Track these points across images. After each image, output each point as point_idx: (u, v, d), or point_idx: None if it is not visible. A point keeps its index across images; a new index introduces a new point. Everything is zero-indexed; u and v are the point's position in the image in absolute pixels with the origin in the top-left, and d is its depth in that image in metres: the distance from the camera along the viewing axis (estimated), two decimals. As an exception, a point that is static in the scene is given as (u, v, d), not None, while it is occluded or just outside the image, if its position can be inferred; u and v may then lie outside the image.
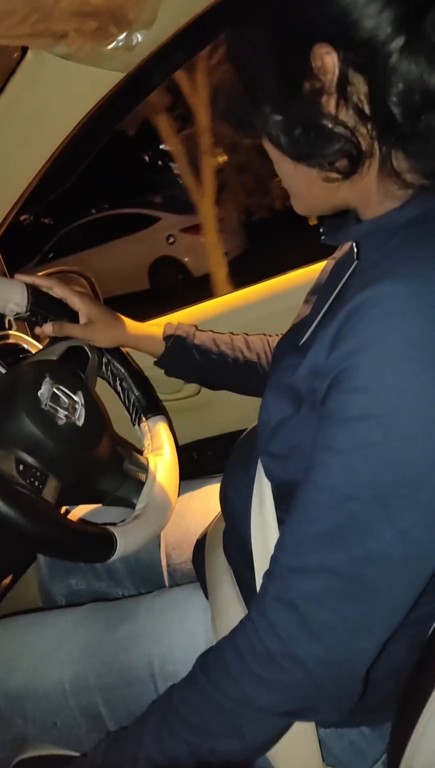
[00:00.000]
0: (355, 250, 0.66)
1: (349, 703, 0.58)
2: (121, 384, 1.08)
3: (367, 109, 0.52)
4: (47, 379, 0.88)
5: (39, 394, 0.86)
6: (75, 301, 1.02)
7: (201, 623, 0.82)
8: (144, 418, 1.07)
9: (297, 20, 0.52)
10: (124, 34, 0.84)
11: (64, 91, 0.90)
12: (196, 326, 1.10)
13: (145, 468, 0.99)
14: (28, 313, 0.99)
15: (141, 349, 1.07)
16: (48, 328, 0.98)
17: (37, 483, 0.80)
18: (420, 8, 0.48)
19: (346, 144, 0.54)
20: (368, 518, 0.51)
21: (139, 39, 0.84)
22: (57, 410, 0.87)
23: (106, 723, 0.83)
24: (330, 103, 0.53)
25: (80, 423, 0.90)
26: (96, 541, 0.82)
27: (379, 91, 0.51)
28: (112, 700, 0.83)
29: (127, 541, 0.85)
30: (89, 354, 1.03)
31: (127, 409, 1.09)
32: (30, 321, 1.01)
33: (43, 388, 0.87)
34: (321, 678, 0.55)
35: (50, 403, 0.87)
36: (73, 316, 1.02)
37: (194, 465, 1.33)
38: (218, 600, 0.79)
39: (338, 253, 0.84)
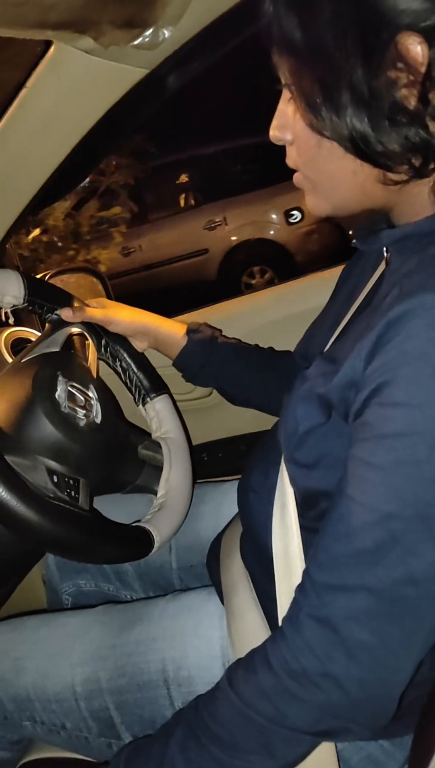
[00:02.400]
0: (386, 255, 0.65)
1: (383, 722, 0.57)
2: (121, 364, 1.06)
3: None
4: (60, 378, 0.87)
5: (57, 396, 0.84)
6: (92, 301, 1.01)
7: (216, 629, 0.81)
8: (148, 399, 1.05)
9: (384, 3, 0.48)
10: (151, 30, 0.83)
11: (86, 86, 0.89)
12: (221, 330, 1.08)
13: (159, 452, 0.98)
14: (26, 304, 0.97)
15: (160, 339, 1.02)
16: (67, 313, 0.96)
17: (73, 492, 0.79)
18: None
19: (425, 143, 0.51)
20: (410, 537, 0.49)
21: (166, 35, 0.83)
22: (76, 411, 0.86)
23: (117, 727, 0.82)
24: (411, 98, 0.50)
25: (99, 420, 0.89)
26: (136, 541, 0.83)
27: None
28: (123, 704, 0.81)
29: (160, 532, 0.86)
30: (88, 338, 1.01)
31: (130, 390, 1.07)
32: (27, 311, 0.99)
33: (59, 389, 0.85)
34: (358, 698, 0.54)
35: (69, 404, 0.85)
36: (67, 301, 1.01)
37: (205, 467, 1.32)
38: (234, 605, 0.78)
39: (357, 257, 0.83)
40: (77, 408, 0.86)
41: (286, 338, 1.05)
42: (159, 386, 1.07)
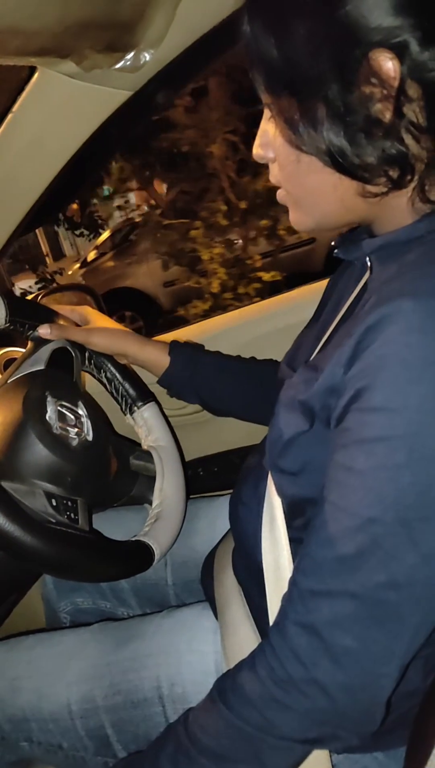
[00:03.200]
0: (368, 264, 0.66)
1: (371, 728, 0.57)
2: (106, 375, 1.05)
3: (422, 123, 0.51)
4: (49, 399, 0.86)
5: (47, 418, 0.84)
6: (76, 314, 1.02)
7: (210, 644, 0.81)
8: (135, 408, 1.05)
9: (353, 21, 0.49)
10: (132, 54, 0.84)
11: (71, 109, 0.90)
12: (203, 346, 1.09)
13: (150, 461, 0.98)
14: (8, 324, 0.96)
15: (142, 360, 1.02)
16: (45, 330, 0.95)
17: (72, 514, 0.79)
18: None
19: (401, 155, 0.52)
20: (391, 541, 0.50)
21: (147, 58, 0.85)
22: (68, 431, 0.86)
23: (113, 745, 0.82)
24: (386, 112, 0.51)
25: (90, 437, 0.89)
26: (136, 556, 0.83)
27: None
28: (119, 721, 0.81)
29: (160, 544, 0.86)
30: (72, 352, 1.00)
31: (116, 399, 1.06)
32: (10, 332, 0.98)
33: (48, 410, 0.85)
34: (344, 704, 0.54)
35: (60, 425, 0.85)
36: (51, 317, 1.00)
37: (200, 481, 1.33)
38: (228, 620, 0.78)
39: (342, 269, 0.84)
40: (68, 428, 0.86)
41: (277, 351, 1.06)
42: (145, 394, 1.06)
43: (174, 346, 1.03)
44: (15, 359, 1.13)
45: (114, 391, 1.06)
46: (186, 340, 1.09)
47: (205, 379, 1.02)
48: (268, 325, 1.25)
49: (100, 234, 8.25)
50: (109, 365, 1.05)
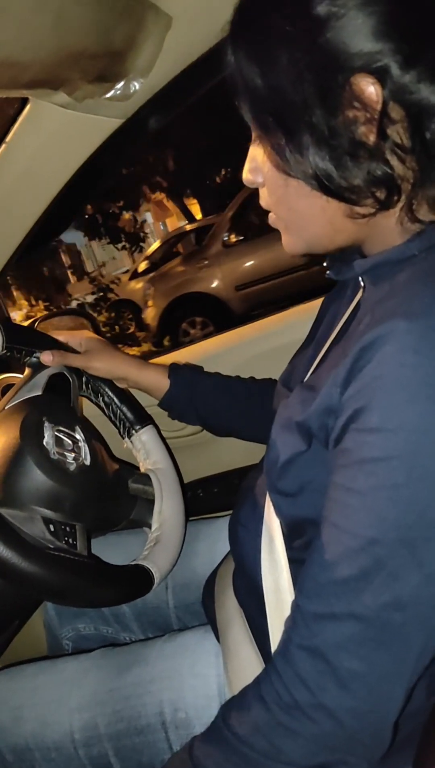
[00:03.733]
0: (361, 284, 0.66)
1: (380, 752, 0.56)
2: (103, 399, 1.06)
3: (406, 144, 0.52)
4: (46, 424, 0.87)
5: (45, 443, 0.84)
6: (75, 339, 1.03)
7: (212, 667, 0.80)
8: (133, 432, 1.05)
9: (335, 48, 0.51)
10: (122, 83, 0.86)
11: (63, 138, 0.92)
12: (202, 367, 1.09)
13: (149, 484, 0.98)
14: (5, 351, 0.97)
15: (142, 384, 1.03)
16: (47, 357, 0.96)
17: (70, 540, 0.79)
18: None
19: (387, 176, 0.53)
20: (394, 562, 0.49)
21: (137, 87, 0.87)
22: (65, 456, 0.86)
23: None
24: (370, 135, 0.52)
25: (88, 462, 0.89)
26: (135, 580, 0.82)
27: (420, 126, 0.51)
28: (123, 749, 0.80)
29: (159, 567, 0.85)
30: (69, 377, 1.01)
31: (114, 423, 1.07)
32: (7, 359, 0.99)
33: (46, 435, 0.85)
34: (352, 728, 0.53)
35: (57, 450, 0.85)
36: (49, 345, 1.01)
37: (200, 503, 1.32)
38: (229, 642, 0.77)
39: (337, 288, 0.85)
40: (66, 453, 0.86)
41: (274, 370, 1.06)
42: (143, 418, 1.07)
43: (173, 369, 1.03)
44: (12, 385, 1.13)
45: (112, 415, 1.06)
46: (185, 362, 1.10)
47: (205, 400, 1.02)
48: (264, 344, 1.26)
49: (142, 247, 8.43)
50: (107, 389, 1.05)
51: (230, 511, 0.86)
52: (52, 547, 0.76)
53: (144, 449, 1.05)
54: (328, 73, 0.51)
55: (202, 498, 1.33)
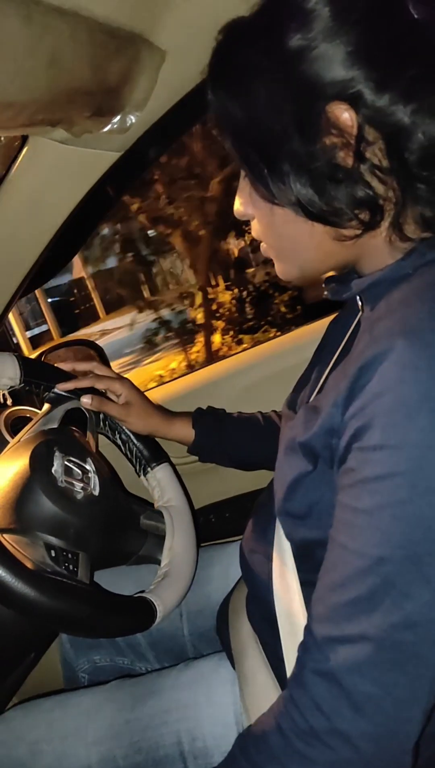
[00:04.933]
0: (359, 303, 0.67)
1: None
2: (120, 437, 1.07)
3: (385, 165, 0.53)
4: (57, 453, 0.88)
5: (53, 471, 0.85)
6: (116, 387, 1.04)
7: (229, 695, 0.79)
8: (149, 469, 1.06)
9: (308, 78, 0.53)
10: (119, 117, 0.88)
11: (63, 173, 0.94)
12: (223, 410, 1.11)
13: (161, 521, 0.98)
14: (22, 384, 0.99)
15: (172, 436, 1.06)
16: (86, 400, 0.99)
17: (71, 566, 0.79)
18: (429, 71, 0.50)
19: (369, 197, 0.54)
20: (403, 580, 0.49)
21: (133, 120, 0.88)
22: (73, 484, 0.87)
23: None
24: (348, 159, 0.53)
25: (96, 492, 0.89)
26: (138, 612, 0.81)
27: (396, 148, 0.52)
28: None
29: (164, 602, 0.84)
30: (86, 414, 1.03)
31: (130, 461, 1.08)
32: (24, 392, 1.01)
33: (55, 464, 0.86)
34: (370, 754, 0.52)
35: (65, 479, 0.86)
36: (63, 378, 1.03)
37: (212, 528, 1.32)
38: (245, 669, 0.77)
39: (344, 309, 0.85)
40: (74, 482, 0.87)
41: (280, 393, 1.06)
42: (159, 455, 1.08)
43: (197, 418, 1.06)
44: (23, 417, 1.14)
45: (128, 453, 1.08)
46: (208, 406, 1.12)
47: (231, 442, 1.05)
48: (269, 367, 1.27)
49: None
50: (124, 426, 1.07)
51: (241, 536, 0.85)
52: (49, 570, 0.76)
53: (159, 486, 1.05)
54: (303, 102, 0.54)
55: (214, 523, 1.33)
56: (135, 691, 0.87)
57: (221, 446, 1.06)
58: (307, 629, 0.57)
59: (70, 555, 0.80)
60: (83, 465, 0.90)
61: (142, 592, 0.86)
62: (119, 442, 1.08)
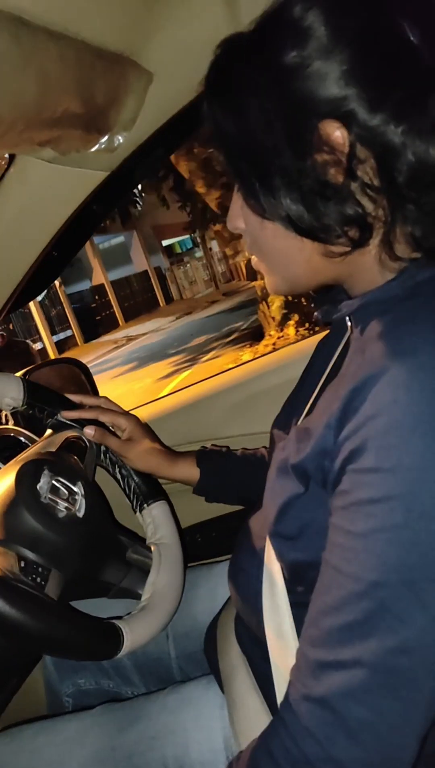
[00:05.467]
0: (349, 324, 0.67)
1: None
2: (120, 471, 1.06)
3: (375, 183, 0.53)
4: (46, 472, 0.87)
5: (38, 487, 0.85)
6: (121, 422, 1.03)
7: (217, 719, 0.78)
8: (145, 505, 1.05)
9: (302, 95, 0.53)
10: (106, 137, 0.88)
11: (50, 192, 0.94)
12: (228, 447, 1.10)
13: (149, 557, 0.97)
14: (25, 407, 1.00)
15: (175, 476, 1.05)
16: (90, 431, 0.99)
17: (39, 579, 0.78)
18: (421, 92, 0.51)
19: (358, 215, 0.54)
20: (399, 605, 0.48)
21: (121, 140, 0.89)
22: (57, 502, 0.86)
23: None
24: (339, 176, 0.53)
25: (81, 514, 0.88)
26: (102, 637, 0.79)
27: (387, 167, 0.52)
28: None
29: (134, 634, 0.81)
30: (87, 444, 1.02)
31: (128, 496, 1.07)
32: (27, 414, 1.01)
33: (42, 480, 0.86)
34: None
35: (50, 496, 0.85)
36: (68, 406, 1.03)
37: (198, 548, 1.30)
38: (234, 692, 0.75)
39: (330, 331, 0.85)
40: (59, 500, 0.86)
41: (271, 410, 1.06)
42: (157, 493, 1.06)
43: (201, 459, 1.05)
44: (12, 437, 1.13)
45: (126, 488, 1.07)
46: (211, 445, 1.11)
47: (238, 480, 1.04)
48: (257, 385, 1.27)
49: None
50: (125, 462, 1.06)
51: (228, 556, 0.84)
52: (13, 578, 0.75)
53: (153, 523, 1.03)
54: (296, 119, 0.54)
55: (201, 543, 1.32)
56: (121, 716, 0.85)
57: (227, 485, 1.04)
58: (299, 653, 0.56)
59: (41, 569, 0.79)
60: (71, 487, 0.89)
61: (115, 618, 0.84)
62: (118, 476, 1.07)
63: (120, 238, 22.73)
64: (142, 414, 1.39)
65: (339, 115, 0.52)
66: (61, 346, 17.15)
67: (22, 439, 1.14)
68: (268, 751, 0.55)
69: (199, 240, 24.90)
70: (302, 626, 0.58)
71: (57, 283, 17.64)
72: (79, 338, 18.40)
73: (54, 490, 0.87)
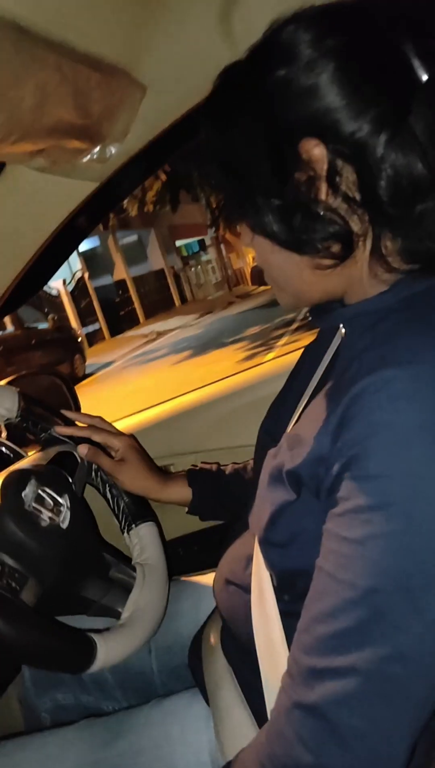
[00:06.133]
0: (342, 332, 0.68)
1: None
2: (111, 491, 1.06)
3: (357, 197, 0.54)
4: (33, 481, 0.87)
5: (23, 495, 0.85)
6: (114, 442, 1.03)
7: (203, 732, 0.77)
8: (133, 526, 1.04)
9: (285, 115, 0.55)
10: (98, 148, 0.89)
11: (40, 201, 0.94)
12: (218, 464, 1.10)
13: (132, 576, 0.96)
14: (18, 419, 1.00)
15: (167, 498, 1.04)
16: (83, 449, 0.99)
17: (14, 584, 0.78)
18: (402, 104, 0.52)
19: (339, 229, 0.55)
20: (394, 612, 0.48)
21: (113, 152, 0.89)
22: (41, 511, 0.86)
23: None
24: (321, 191, 0.55)
25: (64, 525, 0.88)
26: (74, 648, 0.78)
27: (368, 180, 0.53)
28: None
29: (108, 649, 0.80)
30: (79, 460, 1.02)
31: (117, 516, 1.06)
32: (20, 427, 1.01)
33: (27, 489, 0.86)
34: None
35: (34, 505, 0.85)
36: (62, 422, 1.04)
37: (181, 561, 1.30)
38: (220, 705, 0.75)
39: (316, 338, 0.86)
40: (43, 509, 0.86)
41: (251, 424, 1.07)
42: (145, 513, 1.06)
43: (192, 480, 1.05)
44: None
45: (115, 508, 1.06)
46: (201, 465, 1.10)
47: (229, 497, 1.04)
48: (242, 398, 1.28)
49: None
50: (117, 483, 1.05)
51: (211, 569, 0.84)
52: None
53: (140, 544, 1.03)
54: (277, 139, 0.56)
55: (183, 557, 1.31)
56: (103, 730, 0.84)
57: (221, 504, 1.04)
58: (292, 660, 0.55)
59: (17, 575, 0.78)
60: (57, 498, 0.89)
61: (91, 631, 0.82)
62: (108, 496, 1.07)
63: (134, 236, 22.54)
64: (127, 424, 1.38)
65: (319, 131, 0.53)
66: (89, 338, 16.94)
67: (3, 449, 1.14)
68: (259, 760, 0.55)
69: (214, 241, 25.37)
70: (290, 635, 0.57)
71: (85, 275, 17.48)
72: (106, 332, 18.14)
73: (39, 499, 0.87)
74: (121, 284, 20.09)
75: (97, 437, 1.02)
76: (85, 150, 0.88)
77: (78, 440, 1.01)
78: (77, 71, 0.73)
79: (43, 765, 0.83)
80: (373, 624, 0.49)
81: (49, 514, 0.87)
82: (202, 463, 1.10)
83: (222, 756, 0.71)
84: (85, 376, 11.39)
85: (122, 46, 0.78)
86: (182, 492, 1.04)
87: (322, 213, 0.55)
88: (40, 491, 0.87)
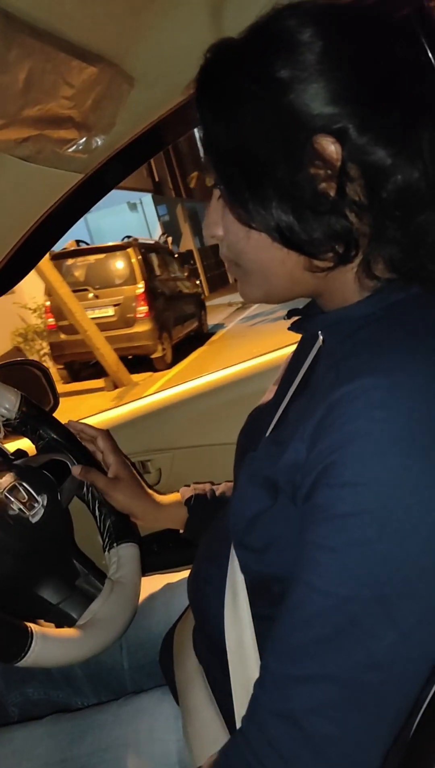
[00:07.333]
0: (320, 338, 0.67)
1: None
2: (99, 508, 1.04)
3: (363, 201, 0.54)
4: (12, 473, 0.87)
5: None
6: (110, 458, 1.03)
7: (172, 731, 0.77)
8: (115, 544, 1.02)
9: (301, 108, 0.53)
10: (84, 139, 0.87)
11: (23, 190, 0.92)
12: (211, 482, 1.08)
13: (99, 589, 0.94)
14: (17, 420, 1.00)
15: (159, 525, 1.03)
16: (76, 470, 0.99)
17: None
18: (411, 118, 0.52)
19: (346, 231, 0.54)
20: (369, 620, 0.48)
21: (99, 143, 0.88)
22: (11, 501, 0.86)
23: None
24: (330, 191, 0.54)
25: (33, 521, 0.88)
26: (7, 634, 0.75)
27: (374, 186, 0.53)
28: None
29: (44, 647, 0.77)
30: (71, 469, 1.02)
31: (101, 534, 1.05)
32: (18, 429, 1.01)
33: (3, 478, 0.86)
34: None
35: (6, 493, 0.85)
36: (61, 433, 1.04)
37: (155, 558, 1.29)
38: (190, 704, 0.75)
39: (299, 344, 0.86)
40: (15, 500, 0.86)
41: (239, 420, 1.06)
42: (129, 534, 1.04)
43: (187, 501, 1.04)
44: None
45: (101, 525, 1.05)
46: (192, 486, 1.09)
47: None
48: (224, 395, 1.27)
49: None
50: (105, 498, 1.04)
51: (185, 567, 0.84)
52: None
53: (117, 563, 1.01)
54: (291, 131, 0.54)
55: (157, 553, 1.31)
56: (73, 726, 0.83)
57: None
58: (265, 666, 0.55)
59: None
60: (33, 494, 0.89)
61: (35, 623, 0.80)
62: (97, 513, 1.05)
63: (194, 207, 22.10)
64: (103, 420, 1.37)
65: (332, 131, 0.52)
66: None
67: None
68: None
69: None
70: (262, 639, 0.57)
71: (169, 240, 17.02)
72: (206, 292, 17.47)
73: (13, 489, 0.87)
74: (189, 255, 18.95)
75: (101, 443, 1.03)
76: (71, 140, 0.87)
77: (75, 453, 1.02)
78: (65, 60, 0.72)
79: (10, 762, 0.82)
80: (348, 632, 0.49)
81: (20, 506, 0.87)
82: (193, 483, 1.08)
83: (190, 755, 0.71)
84: (210, 334, 11.32)
85: (111, 37, 0.77)
86: (176, 514, 1.03)
87: (332, 213, 0.54)
88: (17, 483, 0.87)
